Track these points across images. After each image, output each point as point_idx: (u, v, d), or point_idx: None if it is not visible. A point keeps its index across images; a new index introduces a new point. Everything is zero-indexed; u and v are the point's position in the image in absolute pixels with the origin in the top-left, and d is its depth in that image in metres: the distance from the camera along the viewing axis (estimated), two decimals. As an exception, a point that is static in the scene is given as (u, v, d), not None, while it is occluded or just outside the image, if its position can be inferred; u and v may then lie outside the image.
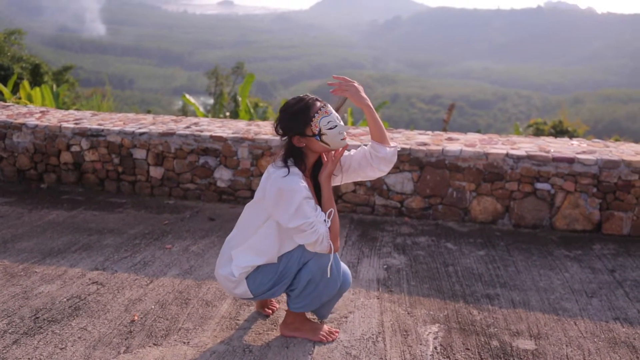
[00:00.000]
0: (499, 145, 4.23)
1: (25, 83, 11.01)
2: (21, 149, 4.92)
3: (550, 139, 4.54)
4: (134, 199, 4.64)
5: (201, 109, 11.84)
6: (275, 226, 2.33)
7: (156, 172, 4.65)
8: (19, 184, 4.97)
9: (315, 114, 2.25)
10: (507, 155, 4.02)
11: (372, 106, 2.37)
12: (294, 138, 2.29)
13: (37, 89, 10.70)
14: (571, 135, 17.71)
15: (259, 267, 2.38)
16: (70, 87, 21.98)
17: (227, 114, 12.61)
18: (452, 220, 4.20)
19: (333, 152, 2.38)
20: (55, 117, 5.09)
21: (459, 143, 4.28)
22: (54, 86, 16.11)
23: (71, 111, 5.36)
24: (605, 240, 3.90)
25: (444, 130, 12.82)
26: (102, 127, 4.70)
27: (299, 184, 2.21)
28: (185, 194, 4.64)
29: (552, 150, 4.06)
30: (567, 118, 21.85)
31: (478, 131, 12.33)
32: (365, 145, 2.52)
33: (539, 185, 4.01)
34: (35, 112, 5.32)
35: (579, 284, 3.22)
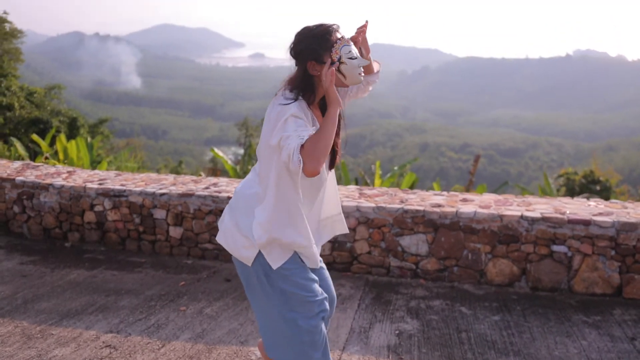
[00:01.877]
0: (514, 207, 4.21)
1: (62, 137, 11.42)
2: (47, 208, 5.10)
3: (567, 199, 4.49)
4: (154, 259, 4.73)
5: (232, 158, 12.12)
6: (284, 170, 2.12)
7: (175, 232, 4.75)
8: (44, 242, 5.12)
9: (338, 40, 2.12)
10: (521, 217, 3.99)
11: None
12: (308, 64, 2.12)
13: (73, 141, 11.10)
14: (603, 185, 17.36)
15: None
16: (104, 138, 22.72)
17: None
18: (468, 283, 4.15)
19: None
20: (81, 177, 5.28)
21: (474, 204, 4.27)
22: (89, 138, 16.68)
23: (96, 171, 5.55)
24: (627, 305, 3.79)
25: (470, 182, 12.74)
26: (124, 188, 4.85)
27: (296, 106, 2.06)
28: (204, 253, 4.71)
29: (567, 212, 4.02)
30: (599, 167, 21.45)
31: (505, 183, 12.24)
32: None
33: (555, 248, 3.96)
34: (63, 172, 5.52)
35: (597, 353, 3.13)
